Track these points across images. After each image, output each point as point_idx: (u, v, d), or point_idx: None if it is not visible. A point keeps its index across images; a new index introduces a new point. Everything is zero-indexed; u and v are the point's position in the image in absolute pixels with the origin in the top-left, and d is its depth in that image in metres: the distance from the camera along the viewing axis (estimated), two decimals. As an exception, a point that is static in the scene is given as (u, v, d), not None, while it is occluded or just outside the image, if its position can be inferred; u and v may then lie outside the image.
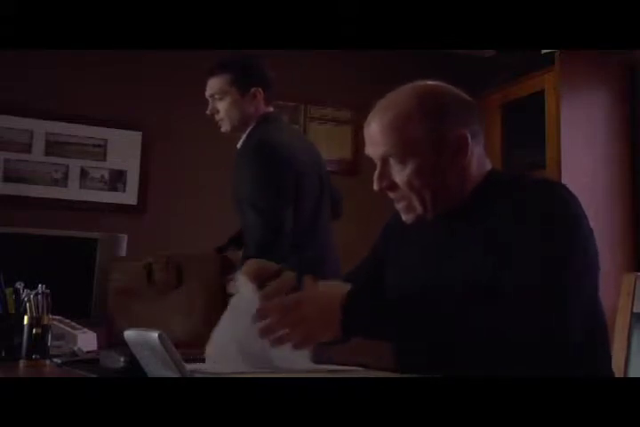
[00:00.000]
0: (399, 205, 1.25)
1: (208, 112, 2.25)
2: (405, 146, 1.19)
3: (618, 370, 1.29)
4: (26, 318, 1.44)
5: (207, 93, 2.25)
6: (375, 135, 1.22)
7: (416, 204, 1.22)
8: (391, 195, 1.24)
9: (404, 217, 1.26)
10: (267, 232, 2.09)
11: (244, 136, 2.26)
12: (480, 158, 1.25)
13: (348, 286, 1.14)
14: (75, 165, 3.27)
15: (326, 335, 1.10)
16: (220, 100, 2.21)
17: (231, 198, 2.38)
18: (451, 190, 1.22)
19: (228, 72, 2.21)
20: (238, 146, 2.30)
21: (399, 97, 1.25)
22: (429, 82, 1.30)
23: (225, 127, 2.26)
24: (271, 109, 2.27)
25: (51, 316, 1.47)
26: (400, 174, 1.21)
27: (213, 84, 2.23)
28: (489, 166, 1.28)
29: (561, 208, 1.14)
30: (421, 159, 1.19)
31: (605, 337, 1.17)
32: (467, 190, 1.23)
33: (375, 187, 1.23)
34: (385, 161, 1.22)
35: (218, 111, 2.23)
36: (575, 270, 1.07)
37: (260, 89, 2.21)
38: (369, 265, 1.42)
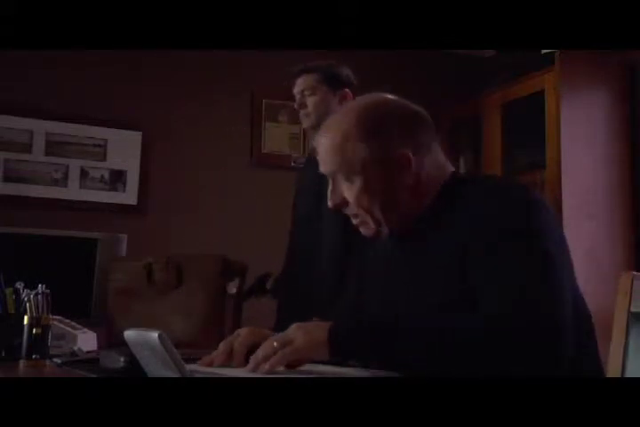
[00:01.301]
0: (355, 221, 1.27)
1: (296, 106, 2.28)
2: (348, 165, 1.21)
3: (615, 370, 1.29)
4: (26, 318, 1.44)
5: (296, 90, 2.28)
6: (322, 154, 1.25)
7: (368, 220, 1.23)
8: (346, 211, 1.26)
9: (362, 232, 1.27)
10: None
11: None
12: (433, 169, 1.24)
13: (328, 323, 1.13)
14: (75, 165, 3.27)
15: (312, 355, 1.10)
16: (309, 96, 2.24)
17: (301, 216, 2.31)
18: (403, 205, 1.23)
19: (319, 71, 2.26)
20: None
21: (341, 117, 1.26)
22: (373, 96, 1.29)
23: (308, 123, 2.27)
24: None
25: (51, 316, 1.47)
26: (348, 192, 1.23)
27: (304, 81, 2.26)
28: (449, 170, 1.27)
29: (517, 212, 1.13)
30: (365, 178, 1.21)
31: (591, 330, 1.17)
32: (422, 202, 1.23)
33: (329, 204, 1.26)
34: (334, 179, 1.24)
35: (305, 106, 2.25)
36: (546, 265, 1.07)
37: (349, 91, 2.26)
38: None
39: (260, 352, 1.09)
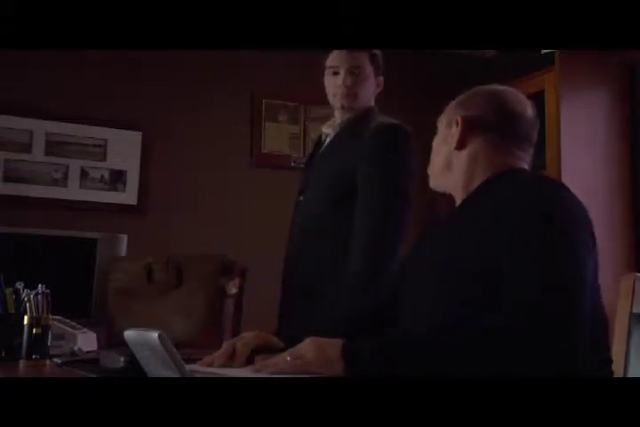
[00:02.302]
0: None
1: (342, 82, 2.06)
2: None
3: (617, 370, 1.28)
4: (26, 318, 1.44)
5: (346, 65, 2.07)
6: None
7: None
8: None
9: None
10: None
11: (345, 118, 2.12)
12: (491, 155, 1.28)
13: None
14: (75, 165, 3.27)
15: (324, 369, 1.08)
16: (357, 75, 2.07)
17: (328, 187, 2.09)
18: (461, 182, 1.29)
19: (369, 50, 2.10)
20: (329, 130, 2.17)
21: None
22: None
23: (346, 103, 2.08)
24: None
25: (51, 316, 1.47)
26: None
27: (353, 58, 2.08)
28: (501, 163, 1.27)
29: (551, 207, 1.13)
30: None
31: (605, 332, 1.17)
32: (475, 183, 1.27)
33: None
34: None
35: (351, 85, 2.07)
36: (574, 258, 1.07)
37: (382, 80, 2.14)
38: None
39: (271, 360, 1.10)
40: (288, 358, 1.08)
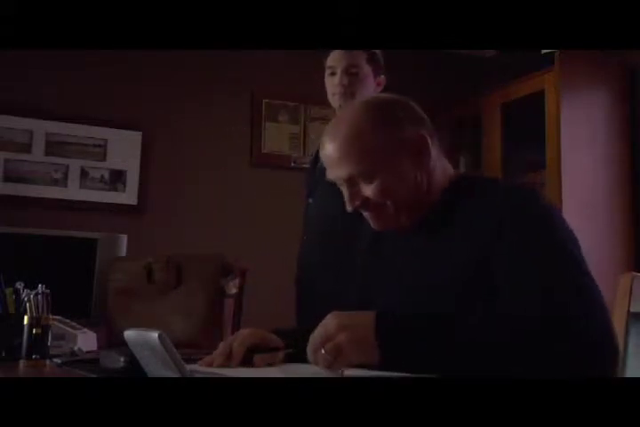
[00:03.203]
0: (369, 214, 1.23)
1: (338, 82, 2.09)
2: (368, 161, 1.17)
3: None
4: (26, 318, 1.44)
5: (340, 64, 2.10)
6: (334, 157, 1.19)
7: (389, 212, 1.20)
8: (364, 211, 1.22)
9: (374, 225, 1.24)
10: None
11: None
12: (442, 162, 1.25)
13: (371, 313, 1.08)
14: (75, 165, 3.27)
15: (363, 361, 1.04)
16: (354, 75, 2.09)
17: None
18: (421, 194, 1.21)
19: (367, 50, 2.11)
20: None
21: (347, 113, 1.23)
22: (366, 96, 1.30)
23: (343, 103, 2.09)
24: None
25: (51, 316, 1.47)
26: (369, 189, 1.19)
27: (351, 57, 2.10)
28: (452, 171, 1.28)
29: (536, 213, 1.13)
30: (386, 169, 1.18)
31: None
32: (435, 193, 1.22)
33: (348, 208, 1.22)
34: (351, 182, 1.20)
35: (348, 84, 2.09)
36: (571, 259, 1.08)
37: (384, 79, 2.15)
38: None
39: (310, 353, 1.05)
40: (323, 352, 1.02)
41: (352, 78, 2.09)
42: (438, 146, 1.24)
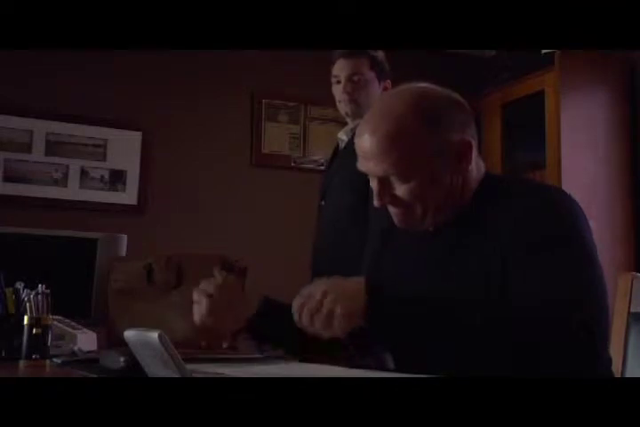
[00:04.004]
0: (396, 211, 1.18)
1: (342, 90, 2.15)
2: (407, 162, 1.10)
3: (615, 370, 1.29)
4: (26, 318, 1.44)
5: (342, 73, 2.16)
6: (371, 151, 1.12)
7: (417, 213, 1.16)
8: (391, 208, 1.17)
9: (397, 222, 1.19)
10: None
11: (354, 124, 2.13)
12: (478, 162, 1.21)
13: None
14: (75, 165, 3.27)
15: (350, 323, 1.04)
16: (357, 82, 2.13)
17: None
18: (453, 198, 1.16)
19: (369, 57, 2.15)
20: (343, 136, 2.22)
21: (393, 105, 1.14)
22: (421, 84, 1.21)
23: (349, 109, 2.15)
24: None
25: (51, 316, 1.47)
26: (402, 189, 1.13)
27: (354, 64, 2.15)
28: (483, 169, 1.23)
29: (560, 216, 1.11)
30: (424, 172, 1.12)
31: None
32: (467, 197, 1.18)
33: (376, 203, 1.15)
34: (385, 179, 1.14)
35: (352, 91, 2.14)
36: (592, 271, 1.07)
37: (390, 83, 2.18)
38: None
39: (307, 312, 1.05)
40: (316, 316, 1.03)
41: (355, 85, 2.14)
42: (477, 145, 1.19)
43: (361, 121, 1.18)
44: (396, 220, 1.19)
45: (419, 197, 1.14)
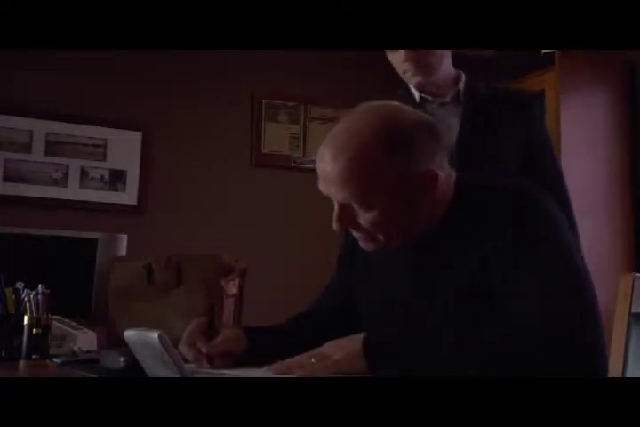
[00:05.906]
0: (358, 235, 1.14)
1: (410, 65, 1.88)
2: (369, 192, 1.06)
3: (616, 370, 1.29)
4: (26, 318, 1.44)
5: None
6: (332, 177, 1.07)
7: (380, 239, 1.12)
8: (354, 232, 1.14)
9: (362, 246, 1.16)
10: None
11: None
12: (446, 178, 1.14)
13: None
14: (75, 165, 3.28)
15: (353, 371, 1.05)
16: (431, 55, 1.90)
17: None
18: (420, 220, 1.13)
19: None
20: None
21: (358, 128, 1.07)
22: (391, 104, 1.14)
23: (420, 79, 1.90)
24: None
25: (51, 316, 1.47)
26: (364, 217, 1.09)
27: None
28: (453, 177, 1.17)
29: (533, 213, 1.09)
30: (387, 202, 1.07)
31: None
32: (436, 215, 1.14)
33: (334, 227, 1.10)
34: (346, 205, 1.09)
35: (426, 66, 1.90)
36: (574, 270, 1.07)
37: None
38: (341, 287, 1.36)
39: (294, 361, 1.08)
40: (313, 360, 1.06)
41: (429, 57, 1.89)
42: (445, 155, 1.14)
43: (325, 139, 1.11)
44: (361, 244, 1.16)
45: (380, 226, 1.10)
